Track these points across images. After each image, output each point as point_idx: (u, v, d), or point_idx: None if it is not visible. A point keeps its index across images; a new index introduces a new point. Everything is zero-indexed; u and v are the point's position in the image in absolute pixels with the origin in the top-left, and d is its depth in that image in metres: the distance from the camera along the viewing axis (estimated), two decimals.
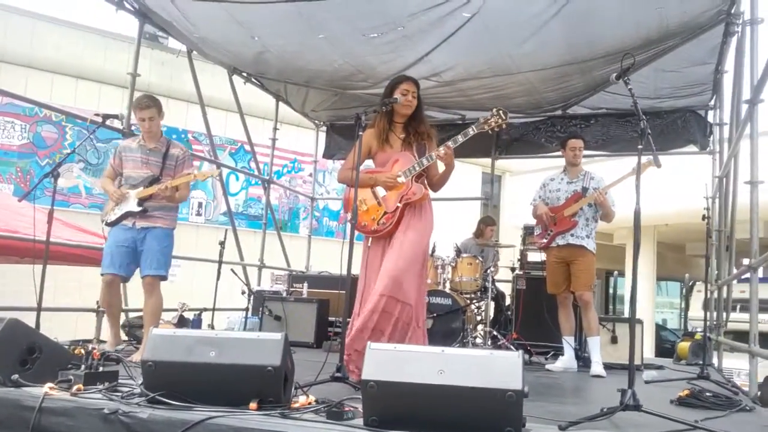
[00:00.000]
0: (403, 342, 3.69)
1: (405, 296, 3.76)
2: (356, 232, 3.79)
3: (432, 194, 4.19)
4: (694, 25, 5.44)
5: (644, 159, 4.08)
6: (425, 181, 4.12)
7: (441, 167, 4.12)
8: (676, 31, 5.51)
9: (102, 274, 4.67)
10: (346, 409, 2.60)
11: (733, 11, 5.23)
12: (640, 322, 5.98)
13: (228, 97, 7.93)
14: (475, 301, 6.80)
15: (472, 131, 3.92)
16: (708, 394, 3.64)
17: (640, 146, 3.02)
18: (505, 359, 2.38)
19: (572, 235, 5.38)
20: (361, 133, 3.73)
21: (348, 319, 3.83)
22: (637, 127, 7.99)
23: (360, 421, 2.48)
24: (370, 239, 4.03)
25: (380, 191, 4.05)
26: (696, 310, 12.28)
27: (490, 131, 3.97)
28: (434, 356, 2.42)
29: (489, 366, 2.36)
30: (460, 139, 3.91)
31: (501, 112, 3.88)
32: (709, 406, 3.45)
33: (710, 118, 7.42)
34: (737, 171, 5.54)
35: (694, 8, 5.16)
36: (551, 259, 5.55)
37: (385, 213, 3.94)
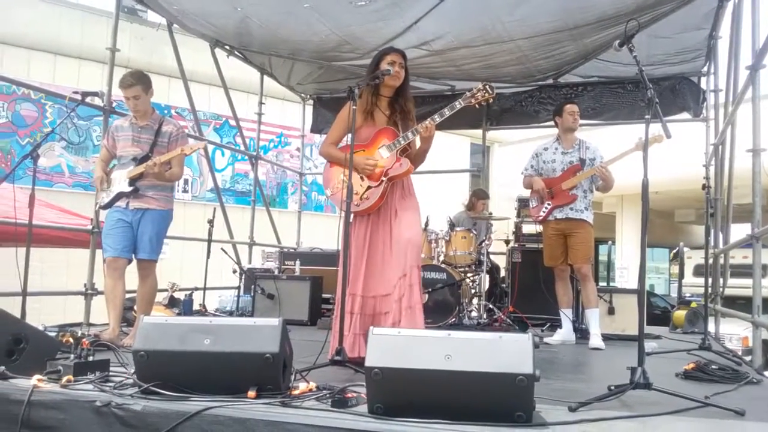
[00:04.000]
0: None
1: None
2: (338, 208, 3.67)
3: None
4: None
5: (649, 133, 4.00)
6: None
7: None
8: None
9: (104, 259, 4.50)
10: (348, 395, 2.51)
11: None
12: (640, 292, 5.93)
13: (211, 71, 7.72)
14: (469, 274, 6.72)
15: (459, 105, 3.77)
16: (714, 366, 3.59)
17: (647, 116, 2.89)
18: (515, 342, 2.28)
19: (572, 209, 5.28)
20: (354, 107, 3.58)
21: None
22: (631, 95, 7.87)
23: (364, 408, 2.39)
24: (351, 216, 3.89)
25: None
26: (686, 277, 12.31)
27: (476, 105, 3.82)
28: (441, 341, 2.32)
29: (498, 349, 2.27)
30: (447, 113, 3.76)
31: (488, 86, 3.74)
32: (717, 380, 3.39)
33: (703, 85, 7.31)
34: (734, 138, 5.44)
35: None
36: (549, 232, 5.44)
37: (369, 187, 3.80)
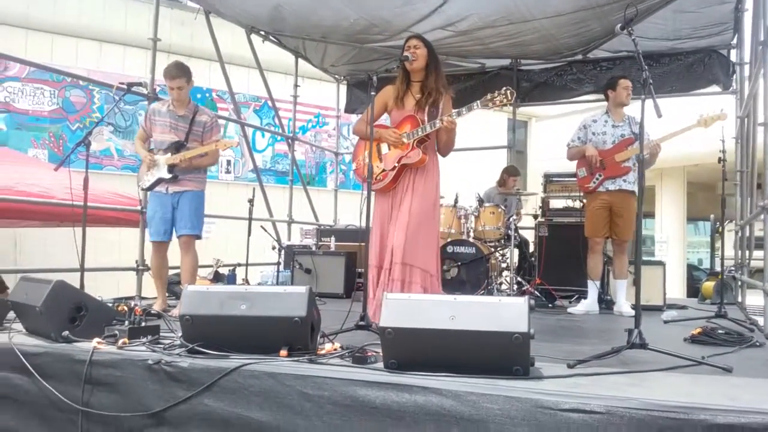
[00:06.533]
0: None
1: (419, 263, 4.05)
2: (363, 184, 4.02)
3: (454, 147, 4.35)
4: None
5: (711, 113, 4.16)
6: (434, 146, 4.30)
7: None
8: None
9: (151, 242, 5.04)
10: (369, 354, 2.82)
11: None
12: (662, 263, 6.09)
13: (249, 54, 7.98)
14: (498, 249, 6.95)
15: (476, 106, 4.01)
16: (720, 331, 3.77)
17: (643, 96, 3.09)
18: (512, 305, 2.55)
19: (625, 181, 5.33)
20: (373, 93, 3.85)
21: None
22: (661, 69, 7.83)
23: (381, 365, 2.70)
24: (374, 194, 4.24)
25: (384, 148, 4.27)
26: (729, 249, 12.24)
27: (494, 110, 4.06)
28: (446, 304, 2.61)
29: (497, 311, 2.54)
30: (464, 112, 4.01)
31: (508, 92, 3.95)
32: (720, 343, 3.59)
33: (733, 57, 7.31)
34: (756, 111, 5.51)
35: None
36: (596, 204, 5.43)
37: (383, 170, 4.16)
